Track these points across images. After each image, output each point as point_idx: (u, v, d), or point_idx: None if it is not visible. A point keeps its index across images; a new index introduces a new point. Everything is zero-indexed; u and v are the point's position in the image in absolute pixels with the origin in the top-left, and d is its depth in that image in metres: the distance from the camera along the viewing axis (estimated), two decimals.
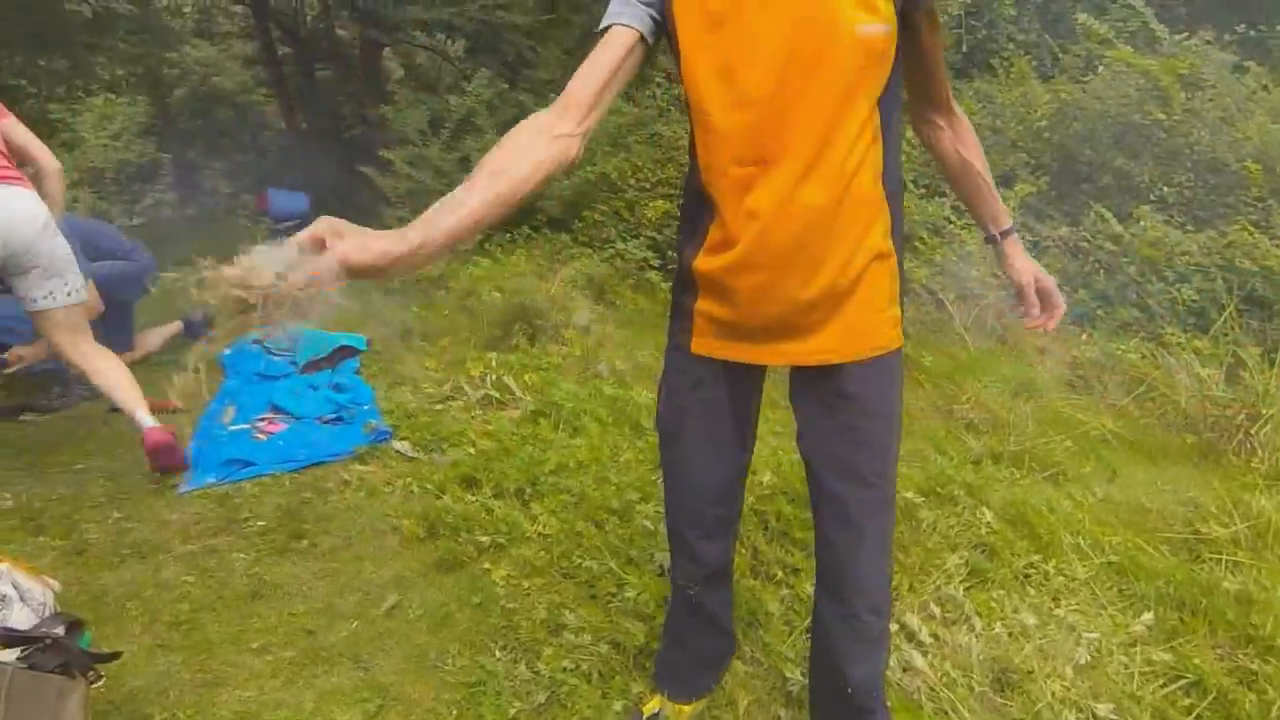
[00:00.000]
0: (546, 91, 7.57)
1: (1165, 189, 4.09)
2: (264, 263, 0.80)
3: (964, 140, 1.25)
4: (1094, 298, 3.84)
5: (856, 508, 1.21)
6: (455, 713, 1.56)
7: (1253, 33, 4.88)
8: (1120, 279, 3.81)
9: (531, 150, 1.02)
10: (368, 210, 6.48)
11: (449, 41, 9.87)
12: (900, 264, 1.18)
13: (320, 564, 2.08)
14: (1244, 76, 4.29)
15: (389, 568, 2.06)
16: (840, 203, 1.07)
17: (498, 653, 1.73)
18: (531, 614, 1.83)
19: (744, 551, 1.99)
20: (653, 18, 1.09)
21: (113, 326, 3.59)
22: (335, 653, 1.74)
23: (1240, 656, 1.68)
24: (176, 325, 3.88)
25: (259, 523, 2.26)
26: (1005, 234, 1.31)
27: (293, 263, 0.80)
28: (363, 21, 7.62)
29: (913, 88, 1.20)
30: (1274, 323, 3.27)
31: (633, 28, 1.08)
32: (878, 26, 1.01)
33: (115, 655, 1.48)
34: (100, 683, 1.42)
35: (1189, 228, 3.87)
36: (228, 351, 3.88)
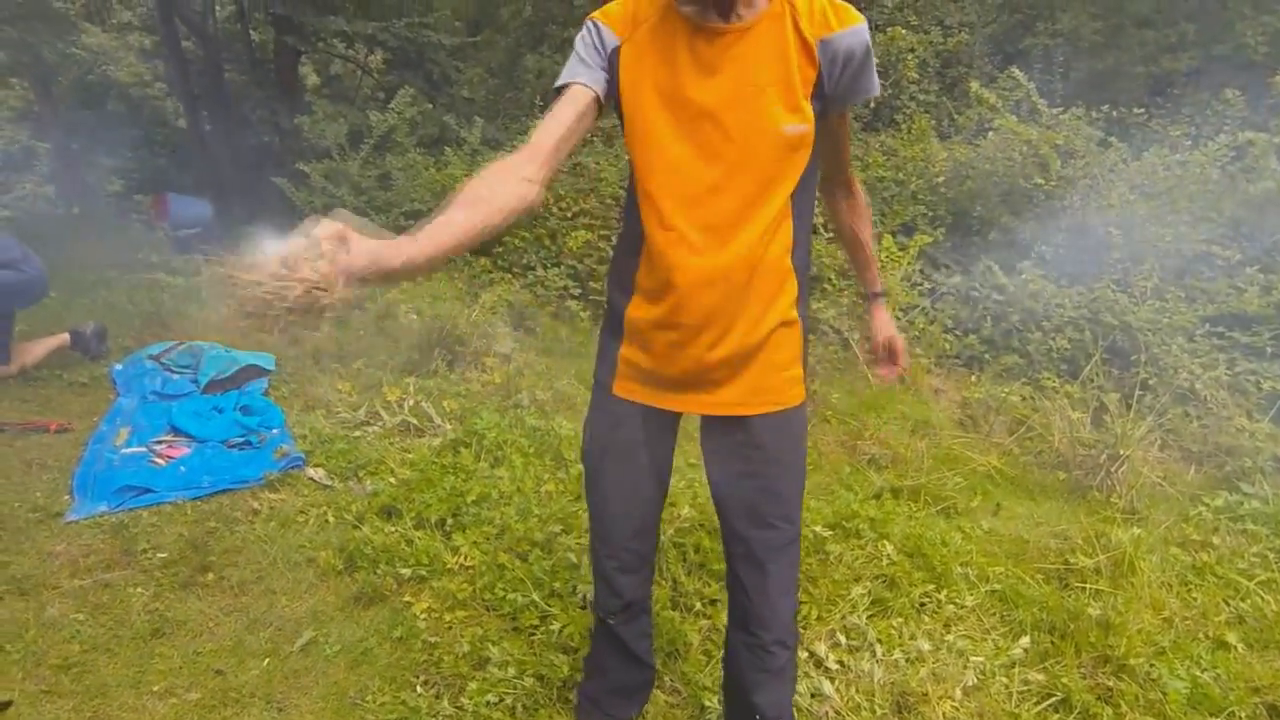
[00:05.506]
0: (469, 111, 7.56)
1: (1044, 247, 4.51)
2: (272, 257, 0.76)
3: (858, 215, 1.45)
4: (982, 343, 4.19)
5: (761, 548, 1.31)
6: None
7: (1115, 113, 5.50)
8: (1005, 327, 4.17)
9: (503, 186, 1.07)
10: (274, 223, 6.24)
11: (368, 54, 9.68)
12: (805, 329, 1.30)
13: (229, 599, 2.00)
14: (1108, 150, 4.82)
15: (304, 602, 2.00)
16: (752, 276, 1.19)
17: (420, 688, 1.72)
18: (454, 648, 1.83)
19: (664, 584, 2.05)
20: (607, 80, 1.20)
21: None
22: (246, 693, 1.68)
23: (1100, 675, 1.88)
24: (62, 337, 3.60)
25: (159, 555, 2.14)
26: (875, 296, 1.53)
27: (299, 260, 0.77)
28: (280, 27, 7.36)
29: (823, 164, 1.35)
30: (1131, 371, 3.66)
31: (591, 89, 1.18)
32: (800, 127, 1.15)
33: (4, 705, 1.38)
34: None
35: (1063, 283, 4.29)
36: (119, 366, 3.65)
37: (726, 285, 1.18)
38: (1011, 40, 7.05)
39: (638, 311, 1.27)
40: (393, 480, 2.52)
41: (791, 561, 1.36)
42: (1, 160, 9.60)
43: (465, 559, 2.14)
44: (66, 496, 2.46)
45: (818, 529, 2.25)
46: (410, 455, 2.75)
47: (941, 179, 5.03)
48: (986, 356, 4.14)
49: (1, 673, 1.68)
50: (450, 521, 2.30)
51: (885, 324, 1.52)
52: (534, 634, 1.88)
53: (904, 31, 5.89)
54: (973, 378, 4.01)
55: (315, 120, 6.33)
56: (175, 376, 3.55)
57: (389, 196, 5.74)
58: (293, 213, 5.74)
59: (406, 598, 2.00)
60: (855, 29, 1.15)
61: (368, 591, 2.00)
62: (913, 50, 6.01)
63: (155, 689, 1.67)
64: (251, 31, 8.95)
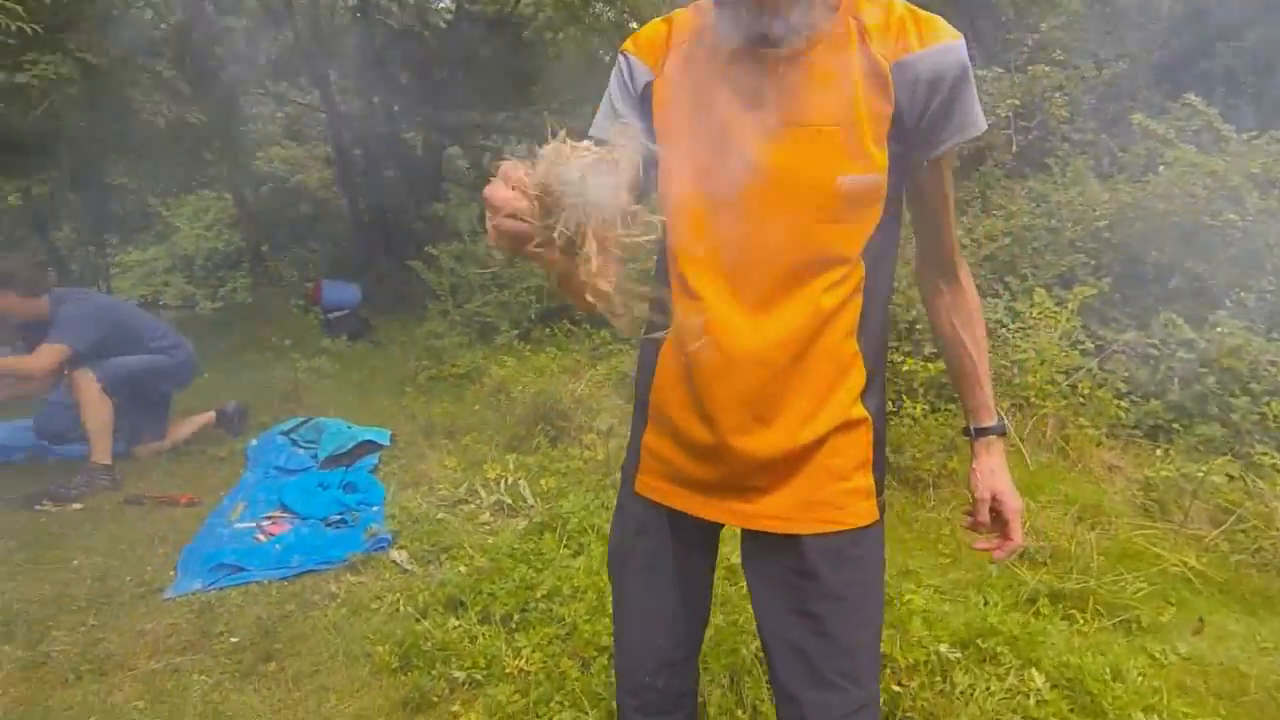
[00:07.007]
0: None
1: (1243, 293, 3.76)
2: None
3: (961, 312, 1.07)
4: (1169, 409, 3.49)
5: (815, 714, 0.98)
6: None
7: None
8: (1198, 390, 3.46)
9: None
10: (414, 303, 6.64)
11: (516, 142, 10.39)
12: (880, 430, 1.01)
13: (283, 692, 1.91)
14: None
15: (354, 702, 1.87)
16: (801, 357, 0.93)
17: None
18: None
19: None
20: (641, 127, 1.01)
21: (148, 416, 3.65)
22: None
23: None
24: (209, 415, 3.91)
25: (232, 639, 2.12)
26: (982, 432, 1.08)
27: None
28: (425, 125, 8.05)
29: (918, 239, 1.06)
30: None
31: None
32: (866, 177, 0.89)
33: None
34: None
35: (1274, 335, 3.52)
36: (254, 442, 3.88)
37: (764, 371, 0.93)
38: (1184, 66, 6.23)
39: (661, 394, 1.03)
40: (464, 569, 2.39)
41: None
42: (220, 260, 11.25)
43: (525, 662, 1.93)
44: (172, 572, 2.54)
45: (943, 649, 1.82)
46: (491, 540, 2.62)
47: (1104, 223, 4.39)
48: (1176, 426, 3.43)
49: None
50: (516, 618, 2.11)
51: (991, 473, 1.07)
52: None
53: (1047, 69, 5.34)
54: (1158, 452, 3.33)
55: (450, 206, 6.76)
56: (300, 452, 3.72)
57: (513, 273, 5.93)
58: (426, 294, 6.08)
59: (455, 706, 1.82)
60: (946, 46, 0.89)
61: (416, 696, 1.84)
62: (1060, 88, 5.43)
63: None
64: (404, 133, 9.93)
